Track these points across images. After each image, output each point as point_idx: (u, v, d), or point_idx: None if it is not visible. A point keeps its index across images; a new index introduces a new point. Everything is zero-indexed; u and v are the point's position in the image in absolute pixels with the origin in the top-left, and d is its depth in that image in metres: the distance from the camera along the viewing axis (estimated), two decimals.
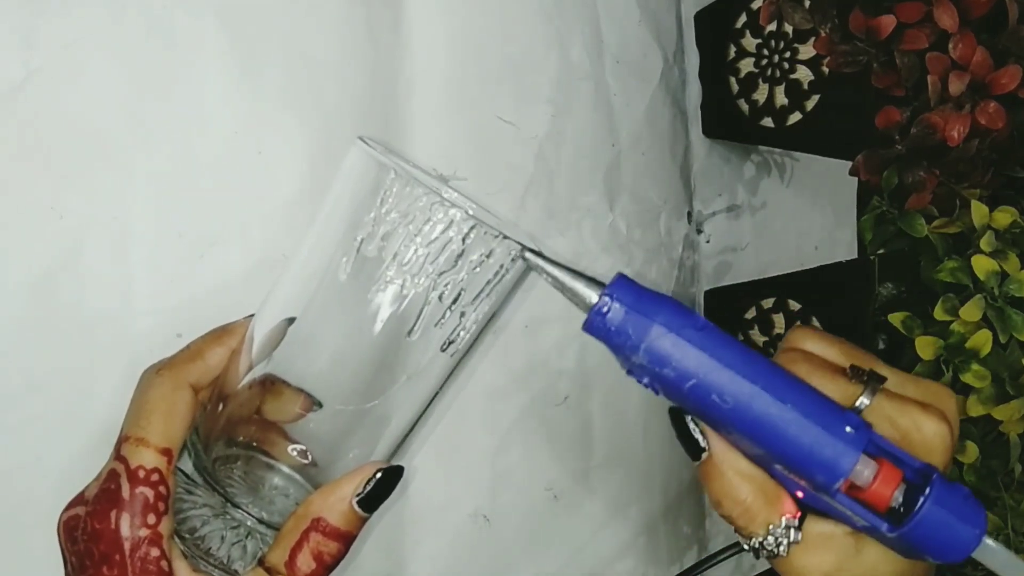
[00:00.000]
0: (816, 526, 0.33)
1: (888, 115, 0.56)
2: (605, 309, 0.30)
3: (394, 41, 0.54)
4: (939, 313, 0.56)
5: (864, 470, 0.30)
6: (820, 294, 0.68)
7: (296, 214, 0.49)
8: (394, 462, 0.37)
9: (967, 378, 0.55)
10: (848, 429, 0.30)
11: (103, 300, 0.45)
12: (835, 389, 0.32)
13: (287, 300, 0.36)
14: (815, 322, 0.68)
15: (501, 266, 0.34)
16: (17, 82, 0.42)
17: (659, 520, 0.69)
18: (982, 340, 0.55)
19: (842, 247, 0.80)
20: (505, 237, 0.33)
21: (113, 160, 0.45)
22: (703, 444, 0.33)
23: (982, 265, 0.56)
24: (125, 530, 0.32)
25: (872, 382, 0.32)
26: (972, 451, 0.56)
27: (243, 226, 0.48)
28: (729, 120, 0.74)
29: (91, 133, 0.44)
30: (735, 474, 0.32)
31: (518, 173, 0.59)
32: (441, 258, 0.33)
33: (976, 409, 0.56)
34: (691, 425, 0.33)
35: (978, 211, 0.58)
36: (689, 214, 0.74)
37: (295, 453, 0.36)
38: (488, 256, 0.34)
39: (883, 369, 0.33)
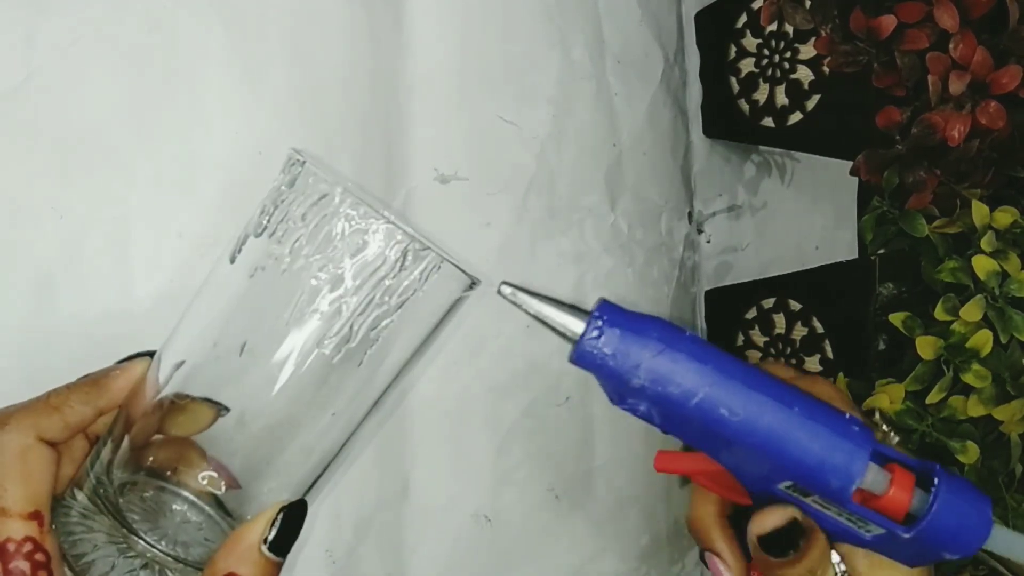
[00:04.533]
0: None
1: (889, 115, 0.56)
2: (596, 334, 0.29)
3: (395, 41, 0.54)
4: (940, 313, 0.56)
5: (877, 476, 0.30)
6: (821, 294, 0.68)
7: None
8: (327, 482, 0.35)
9: (968, 378, 0.55)
10: (855, 428, 0.29)
11: (103, 300, 0.45)
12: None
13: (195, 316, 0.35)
14: (815, 322, 0.68)
15: (385, 257, 0.31)
16: (18, 81, 0.42)
17: (661, 520, 0.69)
18: (983, 340, 0.55)
19: (843, 247, 0.80)
20: (389, 222, 0.31)
21: (114, 160, 0.45)
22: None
23: (983, 265, 0.56)
24: None
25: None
26: (973, 451, 0.56)
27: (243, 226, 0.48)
28: (730, 120, 0.74)
29: (92, 133, 0.44)
30: None
31: (519, 173, 0.59)
32: (318, 240, 0.31)
33: (977, 409, 0.56)
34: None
35: (979, 211, 0.57)
36: (690, 214, 0.74)
37: (205, 481, 0.34)
38: (367, 240, 0.31)
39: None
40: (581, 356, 0.29)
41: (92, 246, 0.44)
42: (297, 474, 0.35)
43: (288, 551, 0.32)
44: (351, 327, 0.32)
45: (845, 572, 0.32)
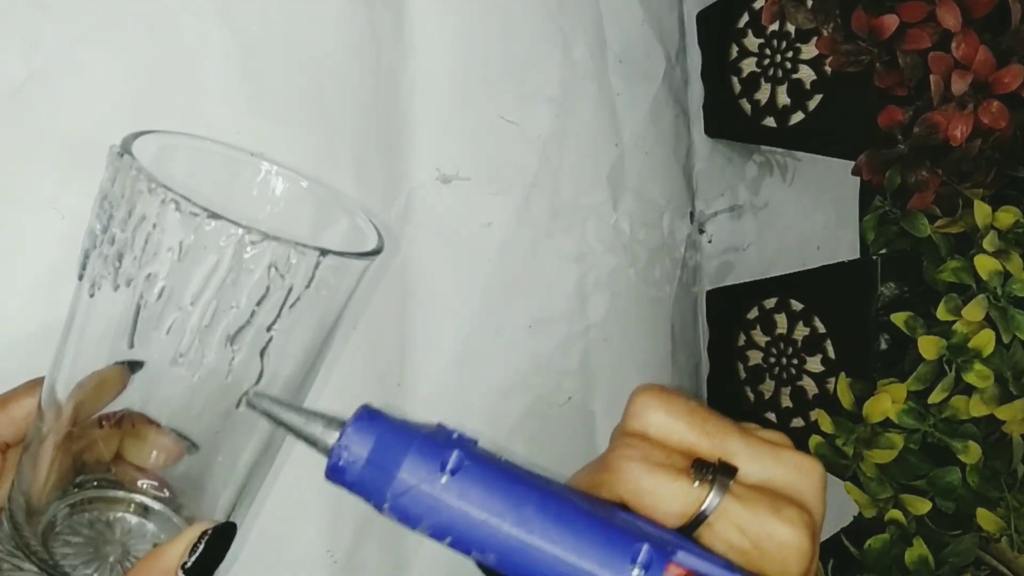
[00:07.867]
0: None
1: (891, 115, 0.55)
2: (340, 462, 0.26)
3: (397, 41, 0.54)
4: (942, 313, 0.56)
5: None
6: (822, 294, 0.68)
7: (297, 215, 0.49)
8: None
9: (970, 378, 0.55)
10: (636, 572, 0.26)
11: None
12: (677, 494, 0.28)
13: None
14: (817, 322, 0.68)
15: (217, 260, 0.27)
16: (19, 82, 0.42)
17: None
18: (985, 340, 0.55)
19: (844, 247, 0.80)
20: (213, 215, 0.26)
21: None
22: None
23: (985, 265, 0.56)
24: None
25: (720, 478, 0.28)
26: (975, 451, 0.56)
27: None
28: (731, 120, 0.74)
29: (92, 133, 0.44)
30: None
31: (521, 173, 0.59)
32: (142, 247, 0.27)
33: (979, 409, 0.56)
34: None
35: (981, 211, 0.57)
36: (691, 214, 0.74)
37: (145, 486, 0.31)
38: (194, 242, 0.27)
39: (737, 441, 0.29)
40: (332, 478, 0.27)
41: None
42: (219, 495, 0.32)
43: (210, 575, 0.30)
44: (199, 341, 0.28)
45: None
